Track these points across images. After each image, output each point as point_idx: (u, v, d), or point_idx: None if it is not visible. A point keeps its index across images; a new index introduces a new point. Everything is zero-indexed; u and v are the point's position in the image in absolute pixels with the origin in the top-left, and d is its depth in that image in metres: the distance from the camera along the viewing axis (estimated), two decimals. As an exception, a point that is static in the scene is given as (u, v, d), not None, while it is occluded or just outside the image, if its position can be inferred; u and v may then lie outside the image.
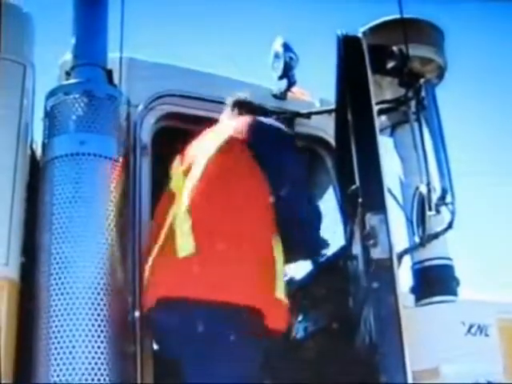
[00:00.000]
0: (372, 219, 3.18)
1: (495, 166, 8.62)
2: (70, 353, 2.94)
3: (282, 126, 3.45)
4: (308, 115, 4.10)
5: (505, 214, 8.99)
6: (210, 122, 3.86)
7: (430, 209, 3.49)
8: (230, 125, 3.38)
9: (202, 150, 3.31)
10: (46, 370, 2.95)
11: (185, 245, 3.05)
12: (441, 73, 3.96)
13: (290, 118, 4.05)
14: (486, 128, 8.84)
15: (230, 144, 3.23)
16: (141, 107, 3.64)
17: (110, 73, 3.49)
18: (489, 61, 8.00)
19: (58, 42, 3.93)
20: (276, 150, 3.25)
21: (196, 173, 3.20)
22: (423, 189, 3.54)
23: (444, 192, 3.44)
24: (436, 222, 3.56)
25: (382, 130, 3.78)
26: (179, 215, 3.14)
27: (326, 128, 4.10)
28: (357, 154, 3.29)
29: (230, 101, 3.55)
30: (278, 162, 3.23)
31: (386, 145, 3.77)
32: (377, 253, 3.16)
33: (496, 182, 8.26)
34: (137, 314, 3.18)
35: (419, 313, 3.63)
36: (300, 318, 3.99)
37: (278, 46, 3.97)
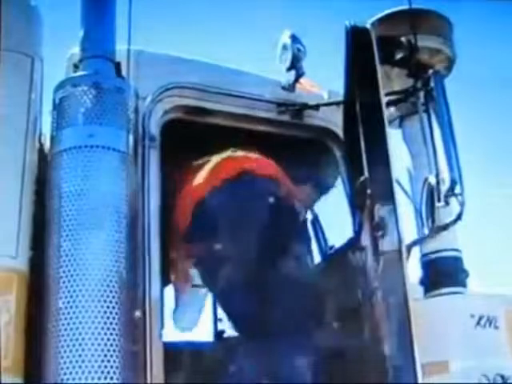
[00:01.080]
0: (381, 210, 3.18)
1: (491, 167, 8.61)
2: (80, 345, 2.93)
3: None
4: (316, 107, 4.09)
5: (500, 216, 8.96)
6: (219, 114, 3.87)
7: (439, 200, 3.48)
8: None
9: None
10: (54, 363, 2.93)
11: None
12: (449, 64, 3.95)
13: (299, 109, 4.05)
14: (485, 129, 8.82)
15: None
16: (149, 99, 3.64)
17: (118, 65, 3.48)
18: (487, 61, 7.96)
19: (66, 34, 3.93)
20: None
21: None
22: (432, 180, 3.54)
23: (453, 183, 3.44)
24: (445, 214, 3.56)
25: (390, 122, 3.78)
26: None
27: (334, 119, 4.09)
28: (365, 145, 3.29)
29: None
30: None
31: (394, 136, 3.77)
32: (386, 244, 3.16)
33: (492, 184, 8.27)
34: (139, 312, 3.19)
35: (428, 304, 3.63)
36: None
37: (285, 38, 3.96)
